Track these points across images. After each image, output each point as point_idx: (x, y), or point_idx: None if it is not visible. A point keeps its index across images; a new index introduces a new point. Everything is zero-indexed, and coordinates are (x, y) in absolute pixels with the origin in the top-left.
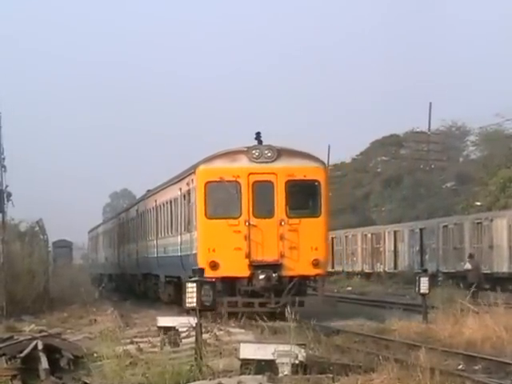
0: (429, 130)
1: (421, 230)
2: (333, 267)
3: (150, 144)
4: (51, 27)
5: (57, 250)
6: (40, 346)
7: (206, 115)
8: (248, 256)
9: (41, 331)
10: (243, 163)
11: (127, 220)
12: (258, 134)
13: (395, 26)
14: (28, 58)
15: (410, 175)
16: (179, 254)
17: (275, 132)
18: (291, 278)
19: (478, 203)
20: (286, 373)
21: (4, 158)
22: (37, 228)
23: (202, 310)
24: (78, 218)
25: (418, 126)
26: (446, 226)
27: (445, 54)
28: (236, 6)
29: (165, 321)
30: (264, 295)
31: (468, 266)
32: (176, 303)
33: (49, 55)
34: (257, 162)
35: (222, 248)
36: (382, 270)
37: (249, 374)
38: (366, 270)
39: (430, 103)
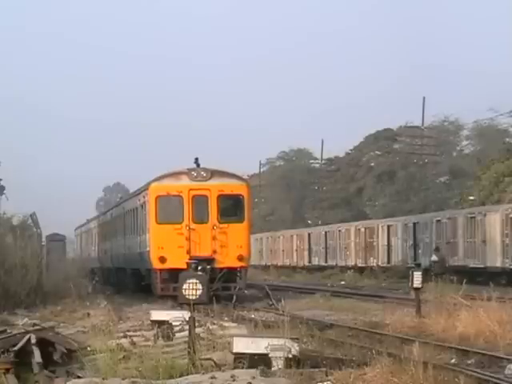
0: (422, 124)
1: (414, 224)
2: (326, 261)
3: (143, 137)
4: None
5: (50, 244)
6: (33, 340)
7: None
8: (188, 252)
9: (34, 325)
10: (185, 181)
11: (104, 222)
12: (197, 159)
13: (389, 22)
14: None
15: (404, 170)
16: (138, 250)
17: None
18: (221, 269)
19: (472, 198)
20: (279, 367)
21: None
22: (30, 221)
23: (195, 303)
24: (71, 212)
25: (411, 120)
26: (439, 221)
27: (438, 49)
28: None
29: (158, 315)
30: None
31: (434, 257)
32: (140, 290)
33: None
34: (195, 181)
35: (168, 246)
36: (375, 265)
37: (242, 367)
38: (360, 265)
39: (424, 98)
